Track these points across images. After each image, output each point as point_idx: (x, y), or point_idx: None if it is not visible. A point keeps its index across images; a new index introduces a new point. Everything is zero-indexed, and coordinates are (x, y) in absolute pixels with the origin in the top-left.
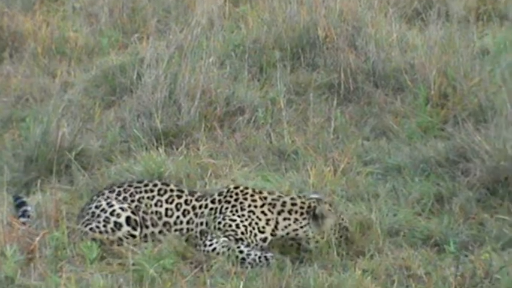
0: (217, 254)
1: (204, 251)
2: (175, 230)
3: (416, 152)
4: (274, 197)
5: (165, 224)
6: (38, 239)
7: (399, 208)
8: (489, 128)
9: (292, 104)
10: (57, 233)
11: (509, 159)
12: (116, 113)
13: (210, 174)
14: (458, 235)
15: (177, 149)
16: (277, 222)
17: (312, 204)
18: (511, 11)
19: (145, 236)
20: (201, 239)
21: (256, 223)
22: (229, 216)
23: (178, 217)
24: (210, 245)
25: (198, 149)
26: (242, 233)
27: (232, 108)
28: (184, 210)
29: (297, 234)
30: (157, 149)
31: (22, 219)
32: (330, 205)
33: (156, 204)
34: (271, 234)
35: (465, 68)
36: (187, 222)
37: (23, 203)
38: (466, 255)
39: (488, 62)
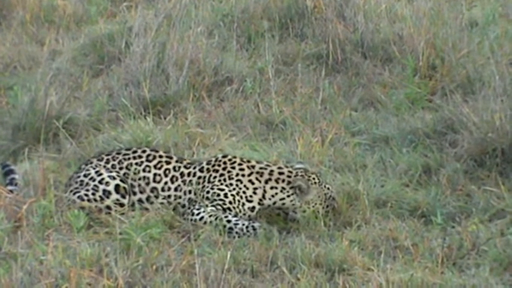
0: (205, 223)
1: (191, 219)
2: (163, 198)
3: (404, 123)
4: (262, 166)
5: (152, 190)
6: (25, 207)
7: (386, 179)
8: (477, 100)
9: (280, 74)
10: (45, 202)
11: (496, 131)
12: (104, 82)
13: (198, 144)
14: (446, 206)
15: (165, 118)
16: (264, 191)
17: (299, 174)
18: None
19: (133, 204)
20: (189, 208)
21: (244, 192)
22: (217, 185)
23: (166, 183)
24: (198, 213)
25: (186, 119)
26: (230, 203)
27: (221, 78)
28: (173, 176)
29: (283, 204)
30: (145, 118)
31: (9, 187)
32: (316, 176)
33: (144, 170)
34: (259, 203)
35: (453, 40)
36: (175, 189)
37: (11, 171)
38: (453, 227)
39: (477, 34)
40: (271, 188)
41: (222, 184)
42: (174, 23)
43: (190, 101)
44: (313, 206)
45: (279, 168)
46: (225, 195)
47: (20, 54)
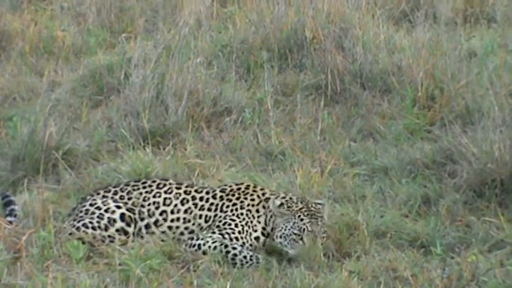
0: (209, 247)
1: (194, 245)
2: (171, 220)
3: (403, 153)
4: (271, 193)
5: (162, 213)
6: (24, 238)
7: (386, 210)
8: (476, 131)
9: (279, 105)
10: (44, 233)
11: (496, 161)
12: (103, 113)
13: (197, 174)
14: (445, 237)
15: (164, 149)
16: (265, 218)
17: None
18: (498, 13)
19: (140, 229)
20: (193, 237)
21: (251, 221)
22: (229, 215)
23: (176, 205)
24: (202, 238)
25: (185, 149)
26: (239, 232)
27: (220, 109)
28: (183, 199)
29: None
30: (144, 148)
31: (9, 218)
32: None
33: (154, 196)
34: (262, 233)
35: (452, 70)
36: (185, 211)
37: (10, 202)
38: (453, 258)
39: (476, 65)
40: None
41: (233, 215)
42: (173, 54)
43: (189, 131)
44: (279, 231)
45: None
46: (236, 225)
47: (19, 85)
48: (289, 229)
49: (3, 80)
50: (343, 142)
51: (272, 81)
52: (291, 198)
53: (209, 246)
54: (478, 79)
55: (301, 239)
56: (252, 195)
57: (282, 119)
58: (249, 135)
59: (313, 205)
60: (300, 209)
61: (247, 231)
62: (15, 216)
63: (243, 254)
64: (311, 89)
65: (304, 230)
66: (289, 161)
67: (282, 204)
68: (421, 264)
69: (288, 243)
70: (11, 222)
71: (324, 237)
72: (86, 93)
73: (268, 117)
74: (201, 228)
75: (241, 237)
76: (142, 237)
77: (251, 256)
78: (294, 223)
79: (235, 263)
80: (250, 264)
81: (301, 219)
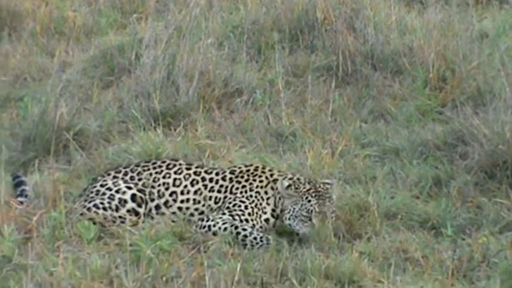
0: (219, 228)
1: (205, 226)
2: (181, 201)
3: (414, 135)
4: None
5: (171, 194)
6: (35, 218)
7: (397, 191)
8: (487, 112)
9: (290, 86)
10: (55, 213)
11: (507, 142)
12: (114, 93)
13: (208, 156)
14: (456, 218)
15: (175, 129)
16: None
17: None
18: None
19: (150, 210)
20: (203, 217)
21: (261, 203)
22: (239, 197)
23: (186, 186)
24: (212, 219)
25: (196, 130)
26: (249, 214)
27: (231, 90)
28: (193, 180)
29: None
30: (155, 129)
31: (20, 199)
32: (309, 185)
33: (164, 177)
34: (272, 215)
35: (464, 52)
36: (195, 193)
37: (21, 182)
38: (464, 239)
39: (487, 46)
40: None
41: (243, 197)
42: (184, 34)
43: (200, 112)
44: (288, 213)
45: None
46: (245, 207)
47: (30, 65)
48: (298, 211)
49: (14, 61)
50: (354, 123)
51: (283, 62)
52: (298, 179)
53: (219, 228)
54: (489, 60)
55: (310, 220)
56: (260, 176)
57: (293, 100)
58: (259, 116)
59: (321, 185)
60: (308, 190)
61: (256, 213)
62: (26, 196)
63: (253, 235)
64: (322, 70)
65: (312, 211)
66: (299, 142)
67: (289, 185)
68: (432, 245)
69: (297, 224)
70: (22, 203)
71: (333, 217)
72: (97, 73)
73: (279, 98)
74: (211, 209)
75: (251, 219)
76: (152, 218)
77: (261, 237)
78: (302, 205)
79: (246, 244)
80: (261, 245)
81: (309, 201)
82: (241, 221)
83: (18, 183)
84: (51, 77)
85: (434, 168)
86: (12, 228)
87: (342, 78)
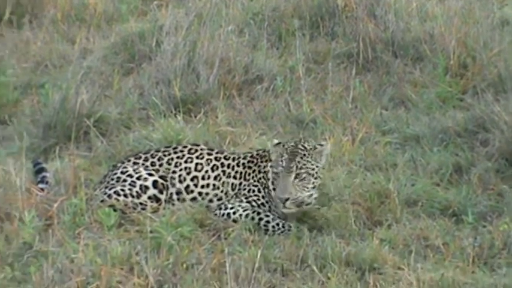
0: (240, 216)
1: (224, 214)
2: (202, 186)
3: (435, 122)
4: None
5: (193, 178)
6: (56, 205)
7: (417, 178)
8: (508, 99)
9: (310, 73)
10: (76, 200)
11: None
12: (134, 80)
13: (228, 142)
14: (477, 206)
15: (195, 116)
16: None
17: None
18: None
19: (171, 196)
20: (222, 203)
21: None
22: (252, 182)
23: (207, 171)
24: (232, 207)
25: (217, 117)
26: (263, 197)
27: (251, 77)
28: (214, 165)
29: None
30: (175, 116)
31: (40, 185)
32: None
33: (186, 161)
34: None
35: (485, 39)
36: (215, 178)
37: (42, 169)
38: (484, 226)
39: (508, 33)
40: None
41: (255, 181)
42: (204, 21)
43: (220, 99)
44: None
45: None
46: (259, 190)
47: (51, 52)
48: (274, 169)
49: (35, 48)
50: (374, 110)
51: (303, 49)
52: (289, 141)
53: (240, 215)
54: (510, 47)
55: (279, 176)
56: (269, 159)
57: (314, 87)
58: (280, 103)
59: (304, 145)
60: (287, 148)
61: (268, 193)
62: (46, 183)
63: (275, 221)
64: (343, 57)
65: (280, 166)
66: (320, 129)
67: (278, 143)
68: (453, 232)
69: (273, 184)
70: (42, 190)
71: (301, 174)
72: (118, 60)
73: (300, 85)
74: (229, 195)
75: (267, 201)
76: (173, 204)
77: (283, 224)
78: (277, 161)
79: (267, 230)
80: (282, 232)
81: (282, 156)
82: (258, 206)
83: (39, 170)
84: (72, 64)
85: (455, 155)
86: (33, 215)
87: (362, 65)
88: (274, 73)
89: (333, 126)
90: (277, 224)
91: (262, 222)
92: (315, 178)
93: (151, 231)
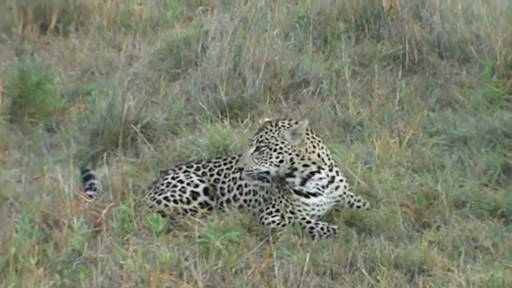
0: (283, 225)
1: (268, 223)
2: (246, 194)
3: (482, 122)
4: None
5: (239, 187)
6: (104, 211)
7: (465, 179)
8: None
9: (357, 76)
10: (124, 206)
11: None
12: (181, 86)
13: None
14: None
15: (242, 121)
16: None
17: None
18: None
19: (222, 204)
20: (262, 210)
21: None
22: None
23: None
24: (274, 215)
25: None
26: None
27: (297, 80)
28: None
29: None
30: (222, 121)
31: (89, 192)
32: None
33: (234, 172)
34: None
35: None
36: (255, 184)
37: (90, 176)
38: None
39: None
40: None
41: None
42: (250, 26)
43: (267, 103)
44: None
45: None
46: (282, 196)
47: (97, 59)
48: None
49: (82, 55)
50: (421, 112)
51: (349, 52)
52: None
53: (283, 225)
54: None
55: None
56: None
57: (360, 89)
58: (326, 106)
59: (278, 122)
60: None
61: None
62: (95, 190)
63: (319, 226)
64: (388, 59)
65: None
66: (367, 131)
67: (268, 121)
68: (502, 233)
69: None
70: (91, 196)
71: (260, 147)
72: (164, 66)
73: (346, 88)
74: (265, 199)
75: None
76: (223, 211)
77: (328, 227)
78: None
79: (314, 235)
80: (328, 236)
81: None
82: (299, 210)
83: (87, 177)
84: (118, 70)
85: (503, 156)
86: (82, 221)
87: (408, 67)
88: (320, 76)
89: (379, 129)
90: (322, 229)
91: (307, 229)
92: (278, 153)
93: (199, 237)
